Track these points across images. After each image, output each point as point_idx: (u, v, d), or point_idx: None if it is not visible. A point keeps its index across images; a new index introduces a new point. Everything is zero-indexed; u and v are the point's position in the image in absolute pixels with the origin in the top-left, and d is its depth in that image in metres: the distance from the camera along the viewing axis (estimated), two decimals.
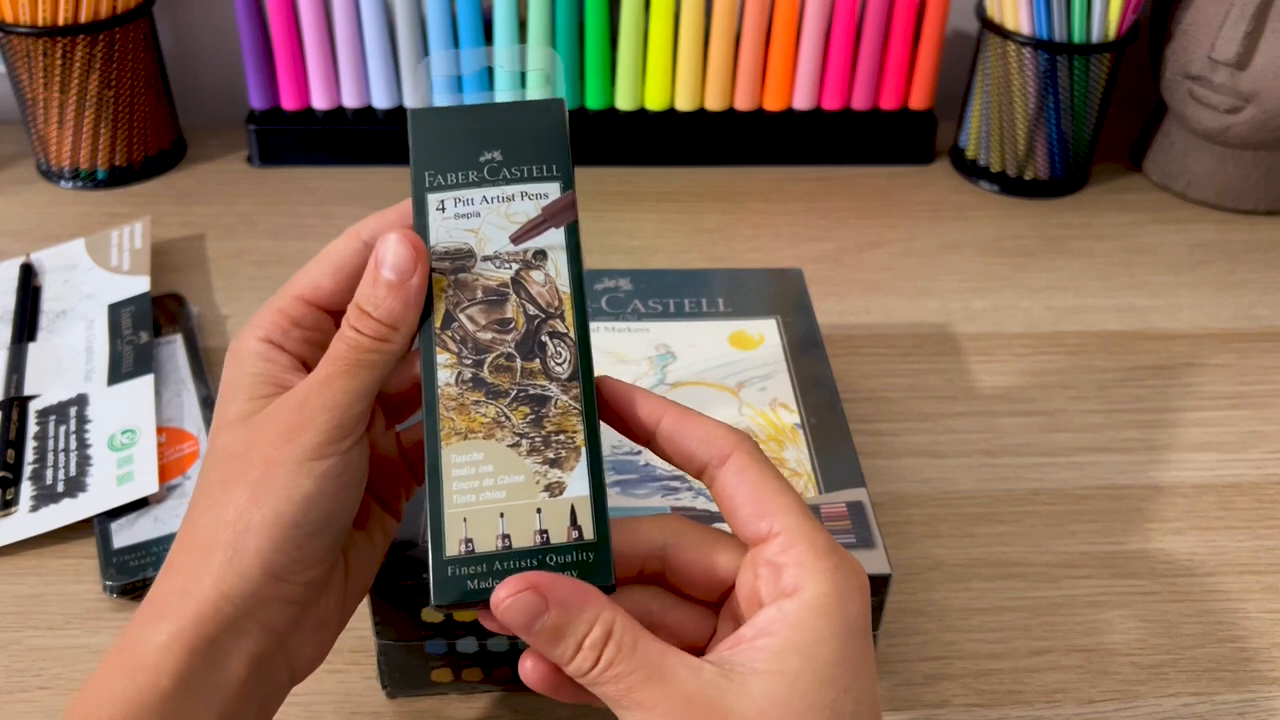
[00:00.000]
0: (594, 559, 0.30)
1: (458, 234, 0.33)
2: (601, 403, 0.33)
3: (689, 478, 0.42)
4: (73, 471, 0.50)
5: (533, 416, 0.31)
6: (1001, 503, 0.51)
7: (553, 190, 0.32)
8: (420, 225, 0.33)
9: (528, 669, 0.32)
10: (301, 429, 0.31)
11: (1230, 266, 0.69)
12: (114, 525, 0.47)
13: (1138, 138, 0.80)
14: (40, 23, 0.67)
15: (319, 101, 0.74)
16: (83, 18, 0.67)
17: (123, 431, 0.51)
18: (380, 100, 0.75)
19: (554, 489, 0.31)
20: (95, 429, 0.52)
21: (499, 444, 0.31)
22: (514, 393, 0.31)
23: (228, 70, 0.80)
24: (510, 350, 0.32)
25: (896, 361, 0.60)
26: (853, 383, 0.57)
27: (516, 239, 0.32)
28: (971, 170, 0.76)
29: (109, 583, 0.45)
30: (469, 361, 0.32)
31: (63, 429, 0.52)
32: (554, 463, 0.31)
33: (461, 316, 0.32)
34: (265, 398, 0.32)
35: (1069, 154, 0.74)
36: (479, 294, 0.32)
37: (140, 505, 0.48)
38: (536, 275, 0.32)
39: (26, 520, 0.48)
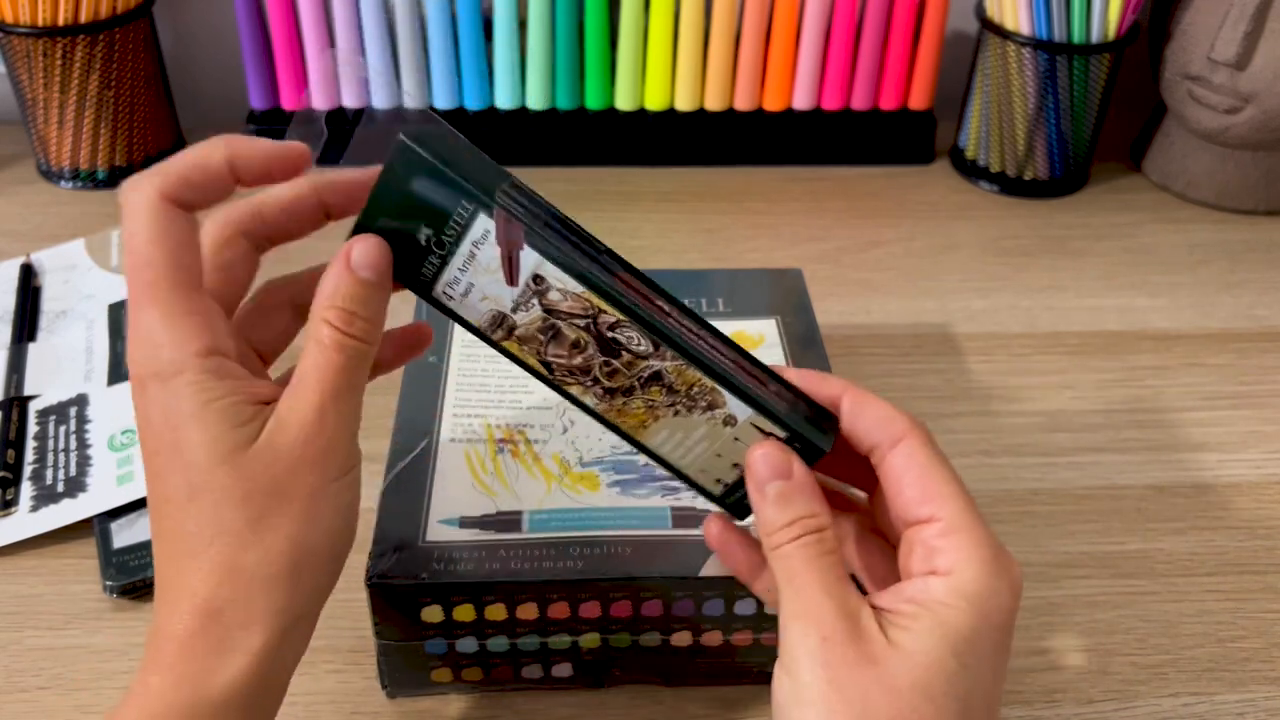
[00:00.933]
0: (800, 446, 0.33)
1: (480, 307, 0.33)
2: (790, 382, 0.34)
3: None
4: (73, 471, 0.50)
5: (664, 388, 0.34)
6: (1001, 503, 0.51)
7: (484, 224, 0.31)
8: (454, 318, 0.34)
9: (712, 527, 0.36)
10: (330, 452, 0.32)
11: (1230, 266, 0.69)
12: (114, 525, 0.47)
13: (1137, 138, 0.80)
14: (40, 23, 0.67)
15: (319, 102, 0.74)
16: (83, 18, 0.67)
17: (123, 431, 0.51)
18: (380, 100, 0.74)
19: (729, 421, 0.34)
20: (95, 429, 0.52)
21: (666, 417, 0.34)
22: (636, 384, 0.34)
23: (228, 70, 0.80)
24: (601, 359, 0.33)
25: (896, 361, 0.60)
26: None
27: (512, 281, 0.32)
28: (971, 170, 0.76)
29: (109, 583, 0.45)
30: (590, 383, 0.34)
31: (63, 429, 0.52)
32: (710, 406, 0.34)
33: (551, 359, 0.34)
34: (248, 423, 0.31)
35: (1069, 154, 0.74)
36: (540, 337, 0.33)
37: (140, 505, 0.48)
38: (554, 296, 0.32)
39: (27, 520, 0.48)
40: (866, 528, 0.36)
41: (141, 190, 0.32)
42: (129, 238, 0.32)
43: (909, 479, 0.32)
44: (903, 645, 0.29)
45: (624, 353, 0.33)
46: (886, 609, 0.31)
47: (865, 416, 0.33)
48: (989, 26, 0.71)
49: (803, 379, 0.34)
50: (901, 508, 0.33)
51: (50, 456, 0.51)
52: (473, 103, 0.75)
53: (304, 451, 0.31)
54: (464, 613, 0.39)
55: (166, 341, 0.31)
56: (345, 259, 0.33)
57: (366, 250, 0.33)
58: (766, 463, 0.33)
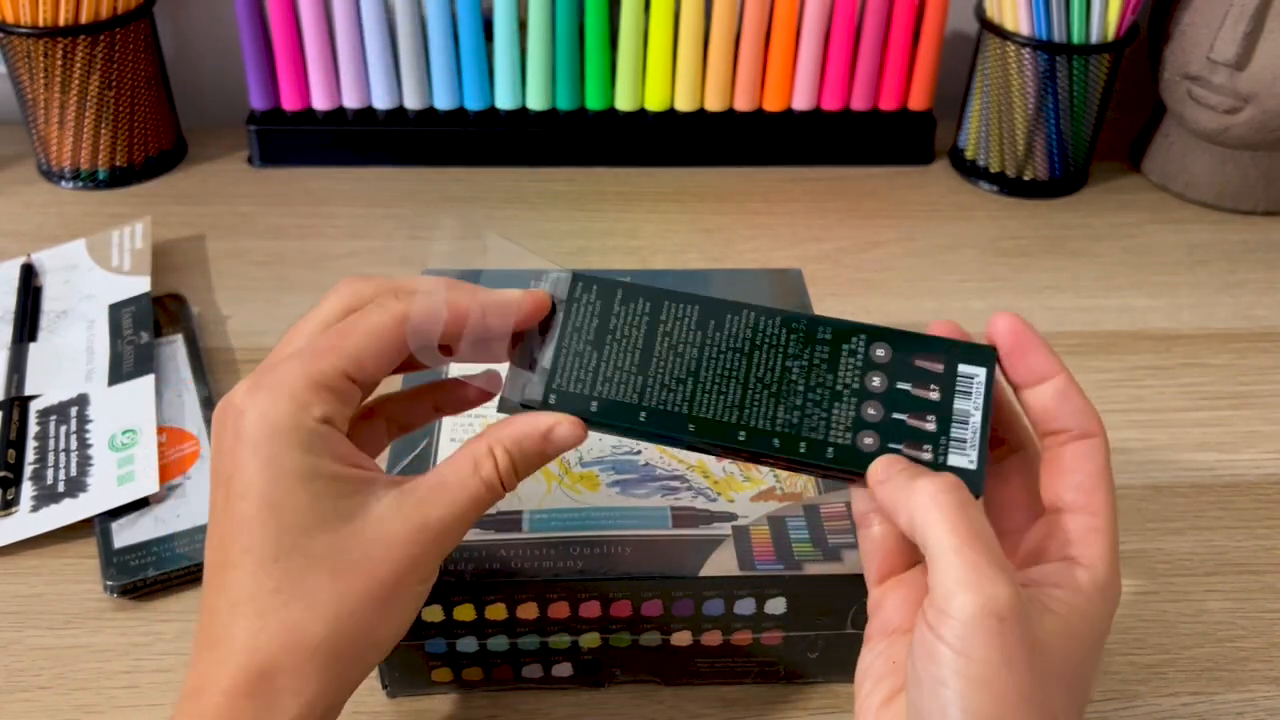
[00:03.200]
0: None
1: None
2: (1001, 338, 0.34)
3: (688, 478, 0.42)
4: (73, 471, 0.50)
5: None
6: None
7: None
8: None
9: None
10: (425, 560, 0.32)
11: (1230, 266, 0.69)
12: (115, 525, 0.47)
13: (1137, 138, 0.80)
14: (41, 23, 0.67)
15: (319, 102, 0.74)
16: (83, 18, 0.67)
17: (123, 432, 0.51)
18: (380, 100, 0.75)
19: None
20: (96, 429, 0.52)
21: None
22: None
23: (228, 70, 0.80)
24: None
25: None
26: None
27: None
28: (971, 171, 0.76)
29: (109, 583, 0.45)
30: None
31: (63, 429, 0.52)
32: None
33: None
34: (351, 497, 0.32)
35: (1068, 154, 0.74)
36: None
37: (141, 505, 0.48)
38: None
39: (27, 520, 0.48)
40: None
41: (392, 304, 0.33)
42: (355, 334, 0.33)
43: (1085, 470, 0.33)
44: (1061, 635, 0.30)
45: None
46: (1035, 588, 0.31)
47: (1071, 401, 0.33)
48: (989, 27, 0.72)
49: (1021, 341, 0.34)
50: (1061, 490, 0.33)
51: (51, 456, 0.51)
52: (473, 103, 0.75)
53: (408, 550, 0.32)
54: (464, 612, 0.39)
55: (298, 399, 0.31)
56: (548, 429, 0.33)
57: (568, 436, 0.34)
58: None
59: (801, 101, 0.76)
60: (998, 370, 0.34)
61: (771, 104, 0.76)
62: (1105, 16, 0.68)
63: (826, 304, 0.63)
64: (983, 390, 0.34)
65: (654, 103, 0.75)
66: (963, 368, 0.34)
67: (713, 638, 0.41)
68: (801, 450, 0.34)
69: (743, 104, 0.76)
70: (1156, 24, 0.73)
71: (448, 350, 0.35)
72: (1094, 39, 0.69)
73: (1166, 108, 0.75)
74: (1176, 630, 0.45)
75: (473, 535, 0.40)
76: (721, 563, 0.39)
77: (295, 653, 0.30)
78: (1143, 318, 0.64)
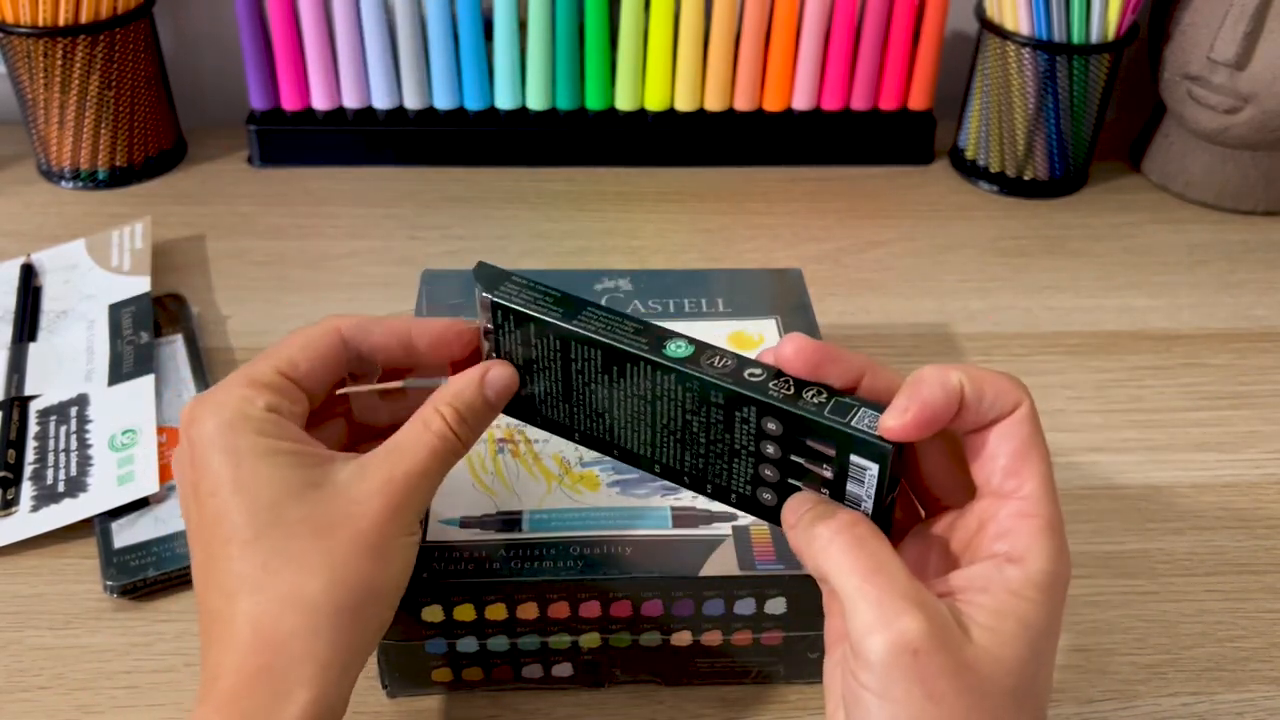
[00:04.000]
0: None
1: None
2: (791, 364, 0.33)
3: None
4: (73, 471, 0.50)
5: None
6: None
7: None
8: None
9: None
10: (404, 511, 0.33)
11: (1229, 266, 0.69)
12: (115, 525, 0.47)
13: (1137, 138, 0.80)
14: (40, 23, 0.67)
15: (319, 102, 0.74)
16: (83, 18, 0.67)
17: (123, 432, 0.51)
18: (380, 100, 0.75)
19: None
20: (96, 429, 0.52)
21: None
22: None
23: (228, 70, 0.80)
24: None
25: (896, 361, 0.60)
26: None
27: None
28: (971, 170, 0.76)
29: (109, 583, 0.45)
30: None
31: (63, 429, 0.52)
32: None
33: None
34: (316, 467, 0.33)
35: (1068, 154, 0.74)
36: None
37: (141, 505, 0.48)
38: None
39: (27, 520, 0.48)
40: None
41: (327, 321, 0.36)
42: (288, 344, 0.35)
43: (1007, 449, 0.31)
44: (991, 648, 0.29)
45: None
46: (960, 596, 0.30)
47: (987, 394, 0.32)
48: (989, 27, 0.72)
49: (817, 359, 0.33)
50: (987, 476, 0.32)
51: (51, 456, 0.51)
52: (473, 103, 0.75)
53: (383, 501, 0.33)
54: (464, 612, 0.39)
55: (239, 394, 0.33)
56: (481, 376, 0.36)
57: (501, 378, 0.36)
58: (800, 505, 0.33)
59: (801, 101, 0.76)
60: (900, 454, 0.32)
61: (771, 104, 0.76)
62: (1105, 16, 0.68)
63: (826, 304, 0.63)
64: (875, 481, 0.32)
65: (654, 103, 0.75)
66: (854, 458, 0.32)
67: (713, 638, 0.41)
68: (709, 491, 0.36)
69: (743, 104, 0.76)
70: (1156, 24, 0.73)
71: (391, 374, 0.38)
72: (1094, 39, 0.69)
73: (1166, 108, 0.75)
74: (1177, 630, 0.45)
75: (473, 535, 0.40)
76: (721, 563, 0.39)
77: (298, 614, 0.31)
78: (1143, 318, 0.64)
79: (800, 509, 0.32)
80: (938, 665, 0.28)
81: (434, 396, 0.35)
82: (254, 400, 0.33)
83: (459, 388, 0.35)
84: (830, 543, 0.30)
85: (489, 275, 0.37)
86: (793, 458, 0.33)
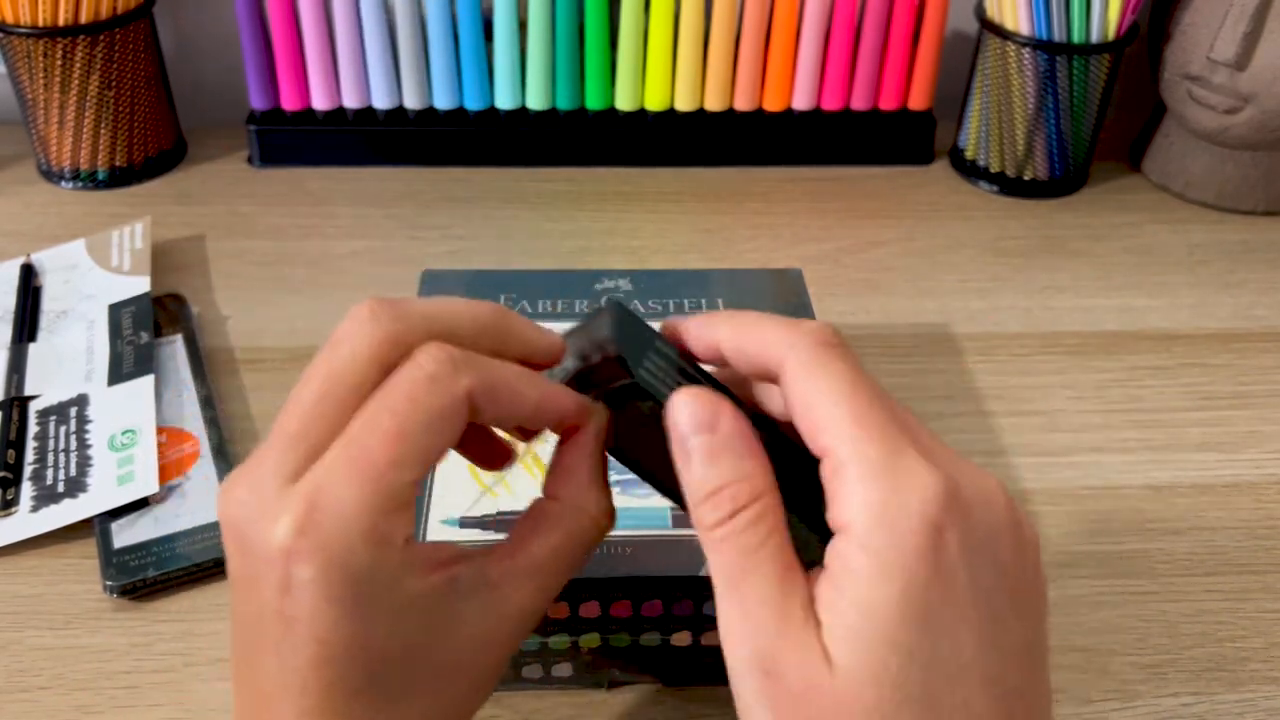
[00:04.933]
0: None
1: None
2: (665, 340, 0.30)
3: None
4: (73, 472, 0.50)
5: None
6: None
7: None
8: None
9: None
10: (514, 642, 0.30)
11: (1230, 266, 0.69)
12: (114, 525, 0.47)
13: (1137, 138, 0.80)
14: (40, 23, 0.67)
15: (319, 102, 0.74)
16: (83, 18, 0.67)
17: (123, 432, 0.51)
18: (380, 100, 0.75)
19: None
20: (95, 429, 0.52)
21: None
22: None
23: (228, 70, 0.80)
24: None
25: (896, 361, 0.60)
26: None
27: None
28: (971, 170, 0.76)
29: (109, 583, 0.45)
30: None
31: (63, 429, 0.52)
32: None
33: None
34: (449, 601, 0.28)
35: (1068, 154, 0.74)
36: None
37: (140, 505, 0.48)
38: None
39: (27, 520, 0.48)
40: None
41: (453, 383, 0.27)
42: (415, 400, 0.26)
43: (796, 413, 0.27)
44: (842, 661, 0.24)
45: None
46: (818, 600, 0.25)
47: (748, 351, 0.28)
48: (989, 26, 0.71)
49: (674, 332, 0.30)
50: (809, 448, 0.27)
51: (50, 457, 0.51)
52: (473, 103, 0.75)
53: (500, 648, 0.29)
54: None
55: (373, 531, 0.25)
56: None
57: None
58: (687, 413, 0.27)
59: (801, 101, 0.76)
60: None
61: (771, 104, 0.76)
62: (1105, 16, 0.68)
63: (826, 304, 0.63)
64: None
65: (654, 102, 0.75)
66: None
67: (713, 638, 0.41)
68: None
69: (743, 104, 0.76)
70: (1156, 24, 0.73)
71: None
72: (1094, 39, 0.69)
73: (1166, 107, 0.75)
74: (1177, 630, 0.45)
75: (473, 535, 0.40)
76: None
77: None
78: (1143, 318, 0.64)
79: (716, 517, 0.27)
80: (786, 693, 0.25)
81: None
82: (391, 542, 0.26)
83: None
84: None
85: (630, 334, 0.29)
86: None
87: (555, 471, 0.31)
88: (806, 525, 0.27)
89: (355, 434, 0.26)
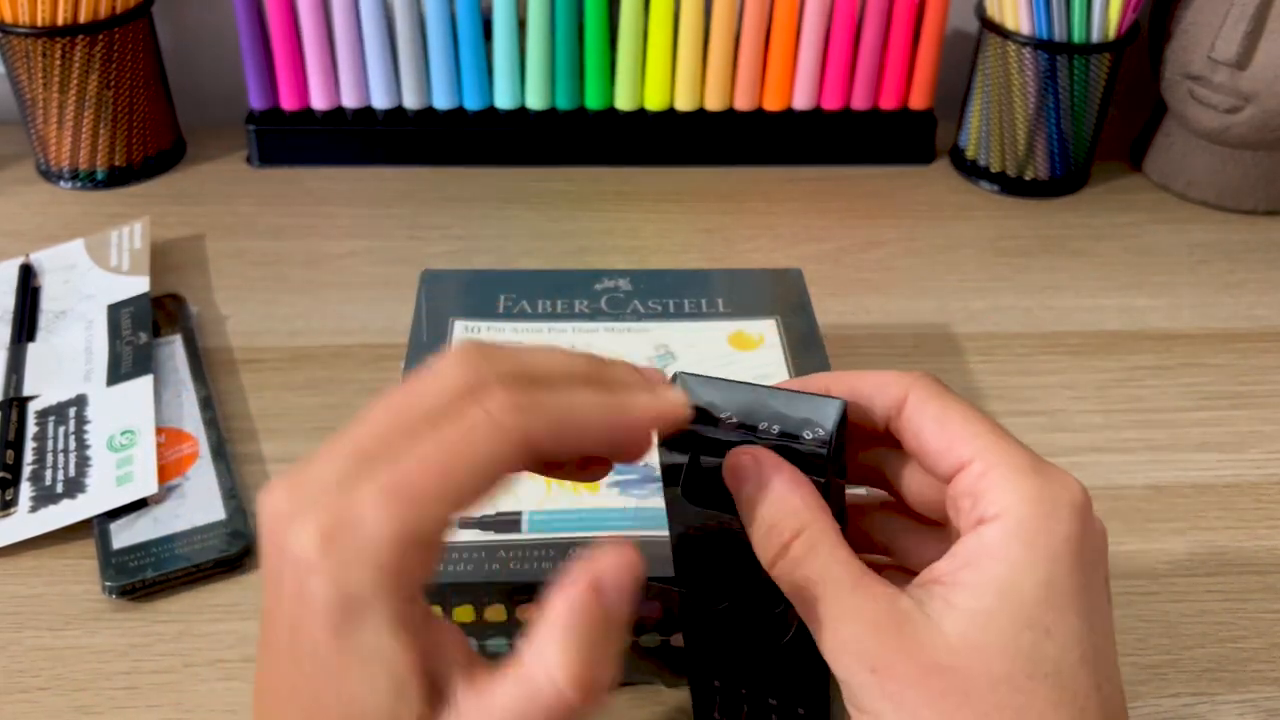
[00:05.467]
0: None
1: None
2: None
3: None
4: (72, 472, 0.50)
5: None
6: None
7: None
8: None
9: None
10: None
11: (1230, 266, 0.68)
12: (113, 526, 0.47)
13: (1138, 138, 0.80)
14: (40, 23, 0.67)
15: (318, 101, 0.74)
16: (82, 18, 0.67)
17: (122, 432, 0.51)
18: (380, 100, 0.74)
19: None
20: (94, 429, 0.52)
21: None
22: None
23: (227, 70, 0.80)
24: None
25: (896, 361, 0.60)
26: None
27: None
28: (971, 170, 0.76)
29: (108, 583, 0.45)
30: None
31: (62, 429, 0.52)
32: None
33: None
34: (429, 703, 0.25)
35: (1069, 154, 0.74)
36: None
37: (140, 506, 0.48)
38: None
39: (26, 521, 0.48)
40: (897, 512, 0.33)
41: (512, 427, 0.25)
42: (458, 464, 0.25)
43: (927, 433, 0.29)
44: (968, 638, 0.26)
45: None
46: (944, 579, 0.27)
47: (863, 391, 0.30)
48: (989, 26, 0.71)
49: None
50: (933, 466, 0.29)
51: (49, 457, 0.51)
52: (472, 103, 0.75)
53: None
54: (463, 614, 0.39)
55: (390, 563, 0.24)
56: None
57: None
58: (730, 465, 0.29)
59: (801, 101, 0.76)
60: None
61: (771, 103, 0.76)
62: (1106, 16, 0.68)
63: (826, 304, 0.63)
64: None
65: (654, 102, 0.75)
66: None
67: None
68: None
69: (743, 103, 0.76)
70: (1157, 23, 0.73)
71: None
72: (1095, 38, 0.69)
73: (1167, 107, 0.75)
74: (1177, 631, 0.45)
75: (472, 536, 0.40)
76: None
77: None
78: (1143, 318, 0.64)
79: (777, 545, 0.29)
80: (901, 678, 0.26)
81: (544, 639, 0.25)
82: (400, 586, 0.24)
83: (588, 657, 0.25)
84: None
85: (841, 439, 0.30)
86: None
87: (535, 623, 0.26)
88: None
89: (402, 460, 0.25)
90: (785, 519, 0.28)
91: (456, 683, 0.25)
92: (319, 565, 0.24)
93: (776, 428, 0.29)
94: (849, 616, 0.27)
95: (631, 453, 0.29)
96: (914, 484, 0.31)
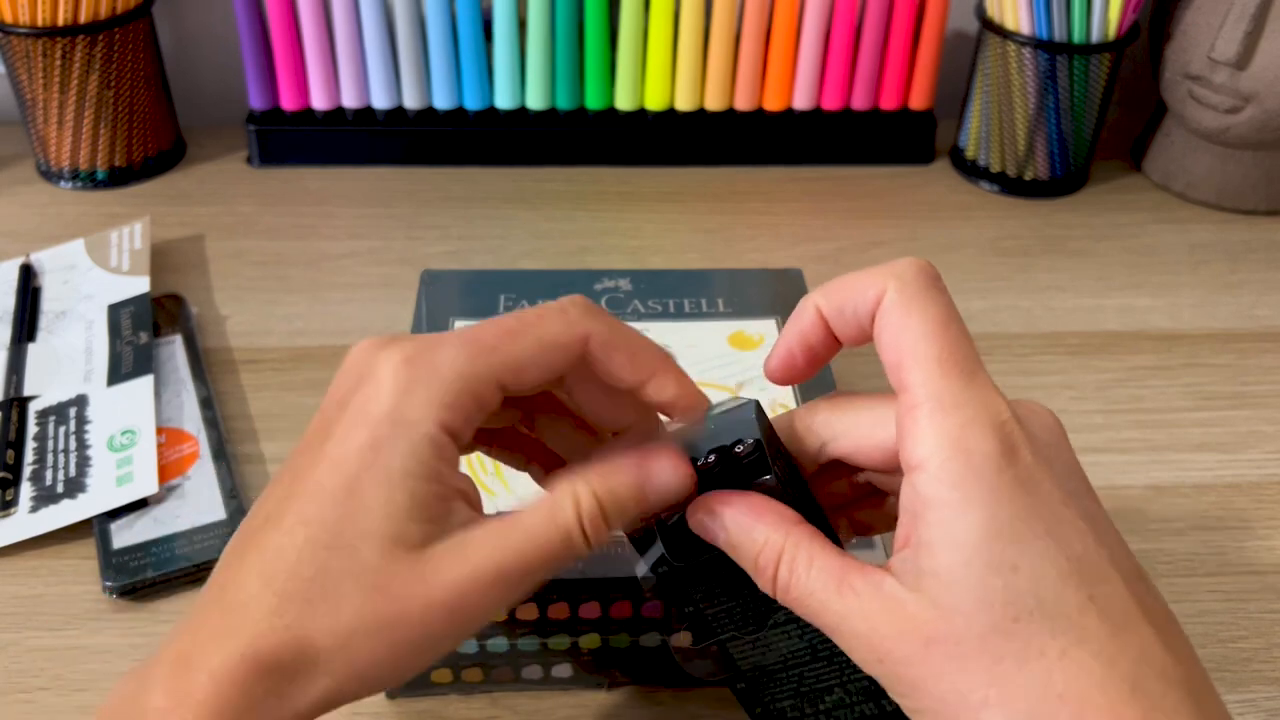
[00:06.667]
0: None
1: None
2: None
3: None
4: (72, 472, 0.50)
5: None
6: None
7: None
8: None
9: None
10: (479, 616, 0.28)
11: (1230, 266, 0.68)
12: (114, 526, 0.47)
13: (1138, 138, 0.80)
14: (40, 23, 0.67)
15: (318, 102, 0.74)
16: (82, 18, 0.67)
17: (122, 432, 0.51)
18: (380, 100, 0.74)
19: None
20: (95, 429, 0.52)
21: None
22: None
23: (227, 70, 0.80)
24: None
25: None
26: (853, 383, 0.57)
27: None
28: (971, 170, 0.76)
29: (109, 583, 0.45)
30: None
31: (62, 429, 0.52)
32: None
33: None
34: (431, 523, 0.28)
35: (1069, 154, 0.74)
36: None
37: (140, 506, 0.48)
38: None
39: (26, 521, 0.48)
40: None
41: (578, 321, 0.30)
42: (524, 338, 0.29)
43: (884, 344, 0.28)
44: (942, 602, 0.25)
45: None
46: (907, 545, 0.27)
47: (844, 303, 0.29)
48: (989, 26, 0.71)
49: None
50: (892, 383, 0.28)
51: (50, 457, 0.51)
52: (472, 103, 0.75)
53: (449, 597, 0.27)
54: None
55: (444, 389, 0.28)
56: (644, 473, 0.29)
57: (668, 481, 0.29)
58: (697, 519, 0.30)
59: (802, 101, 0.76)
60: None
61: (772, 103, 0.76)
62: (1106, 16, 0.68)
63: None
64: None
65: (654, 102, 0.75)
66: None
67: None
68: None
69: (743, 103, 0.76)
70: (1157, 23, 0.73)
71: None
72: (1095, 38, 0.69)
73: (1167, 107, 0.75)
74: None
75: None
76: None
77: (297, 658, 0.27)
78: (1143, 318, 0.64)
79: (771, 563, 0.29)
80: (902, 659, 0.26)
81: (581, 470, 0.29)
82: (445, 410, 0.28)
83: (615, 479, 0.29)
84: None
85: (768, 431, 0.31)
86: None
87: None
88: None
89: (481, 325, 0.29)
90: (761, 553, 0.29)
91: (466, 513, 0.28)
92: (388, 381, 0.28)
93: (714, 455, 0.30)
94: (843, 620, 0.27)
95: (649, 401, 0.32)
96: (852, 452, 0.31)
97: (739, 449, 0.30)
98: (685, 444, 0.31)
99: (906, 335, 0.28)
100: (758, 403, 0.30)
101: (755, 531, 0.29)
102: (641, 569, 0.33)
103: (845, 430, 0.31)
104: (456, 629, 0.28)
